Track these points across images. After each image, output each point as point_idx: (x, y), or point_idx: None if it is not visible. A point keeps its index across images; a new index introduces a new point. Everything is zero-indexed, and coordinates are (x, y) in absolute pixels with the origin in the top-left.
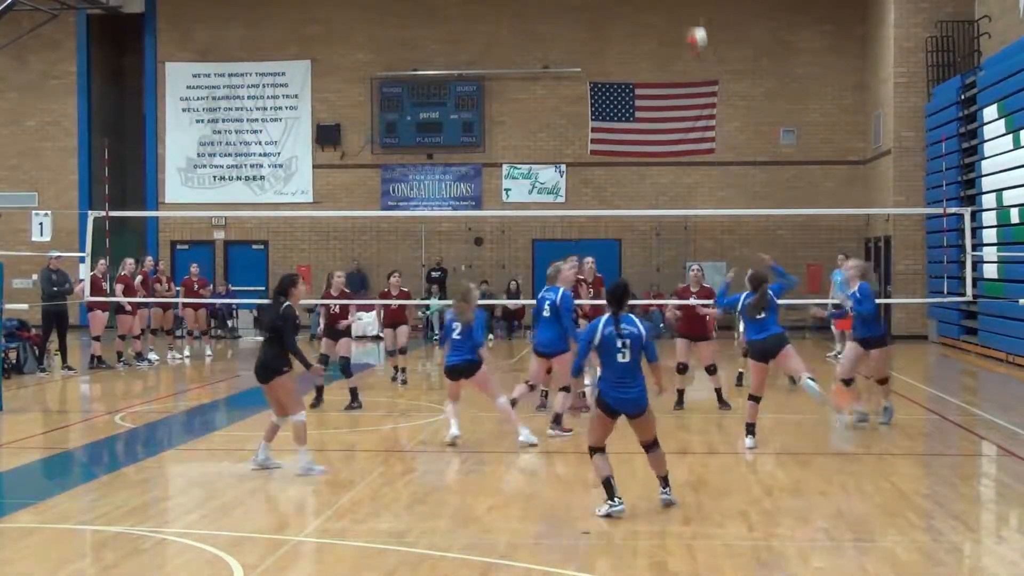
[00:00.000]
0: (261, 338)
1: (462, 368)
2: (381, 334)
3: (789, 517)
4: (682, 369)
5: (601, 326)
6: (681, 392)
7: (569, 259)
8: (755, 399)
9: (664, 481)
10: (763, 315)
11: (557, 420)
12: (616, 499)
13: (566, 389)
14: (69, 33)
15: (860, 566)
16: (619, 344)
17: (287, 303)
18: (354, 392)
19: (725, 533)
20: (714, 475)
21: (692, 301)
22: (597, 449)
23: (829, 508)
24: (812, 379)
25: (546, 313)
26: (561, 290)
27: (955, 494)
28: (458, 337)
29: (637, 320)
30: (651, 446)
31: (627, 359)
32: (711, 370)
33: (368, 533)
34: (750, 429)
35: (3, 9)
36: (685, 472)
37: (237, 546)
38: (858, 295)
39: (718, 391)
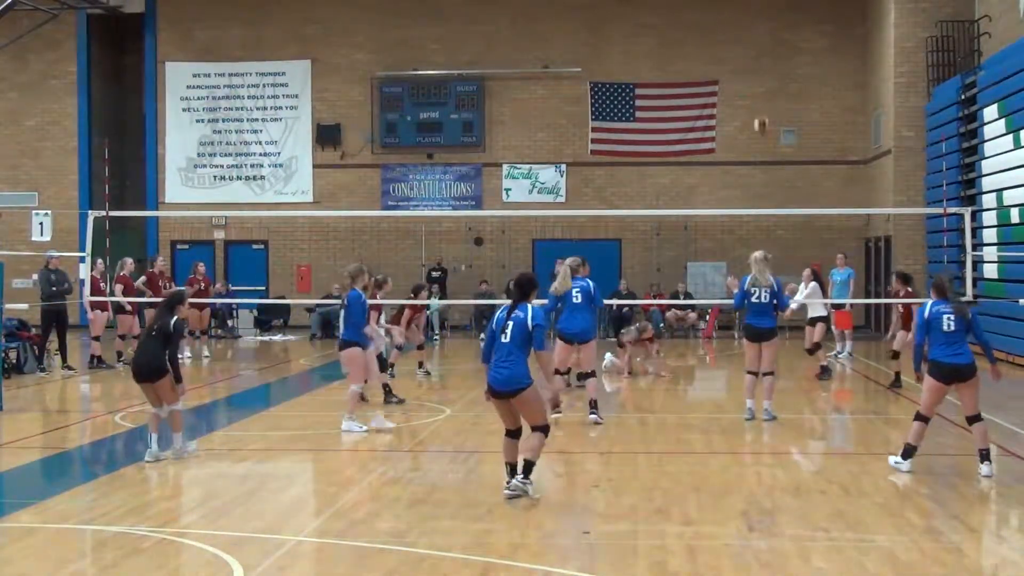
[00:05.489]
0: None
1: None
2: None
3: (789, 517)
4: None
5: (498, 312)
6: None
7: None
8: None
9: (527, 469)
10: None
11: (594, 405)
12: (510, 480)
13: (592, 375)
14: (69, 33)
15: (860, 566)
16: (502, 326)
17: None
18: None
19: (725, 533)
20: (714, 475)
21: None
22: (510, 432)
23: (829, 508)
24: None
25: (577, 299)
26: (591, 283)
27: (955, 494)
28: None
29: (531, 309)
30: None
31: (507, 340)
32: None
33: (368, 533)
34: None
35: (3, 9)
36: (685, 472)
37: (237, 546)
38: None
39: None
